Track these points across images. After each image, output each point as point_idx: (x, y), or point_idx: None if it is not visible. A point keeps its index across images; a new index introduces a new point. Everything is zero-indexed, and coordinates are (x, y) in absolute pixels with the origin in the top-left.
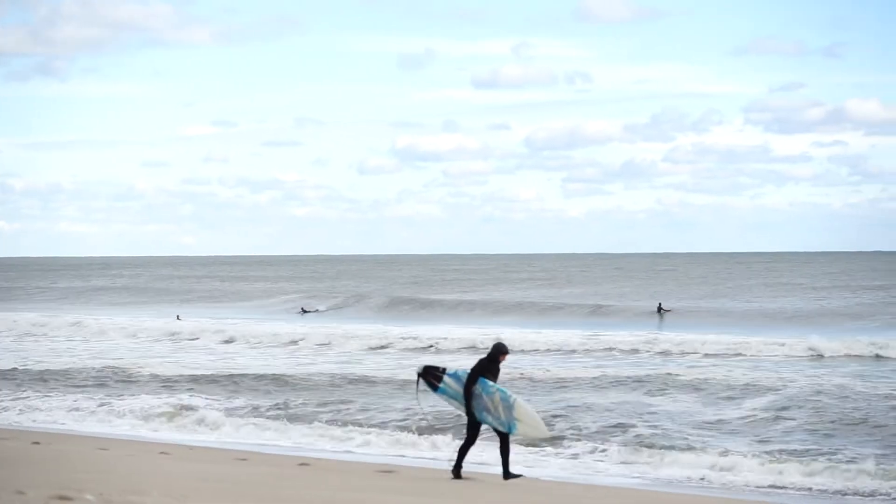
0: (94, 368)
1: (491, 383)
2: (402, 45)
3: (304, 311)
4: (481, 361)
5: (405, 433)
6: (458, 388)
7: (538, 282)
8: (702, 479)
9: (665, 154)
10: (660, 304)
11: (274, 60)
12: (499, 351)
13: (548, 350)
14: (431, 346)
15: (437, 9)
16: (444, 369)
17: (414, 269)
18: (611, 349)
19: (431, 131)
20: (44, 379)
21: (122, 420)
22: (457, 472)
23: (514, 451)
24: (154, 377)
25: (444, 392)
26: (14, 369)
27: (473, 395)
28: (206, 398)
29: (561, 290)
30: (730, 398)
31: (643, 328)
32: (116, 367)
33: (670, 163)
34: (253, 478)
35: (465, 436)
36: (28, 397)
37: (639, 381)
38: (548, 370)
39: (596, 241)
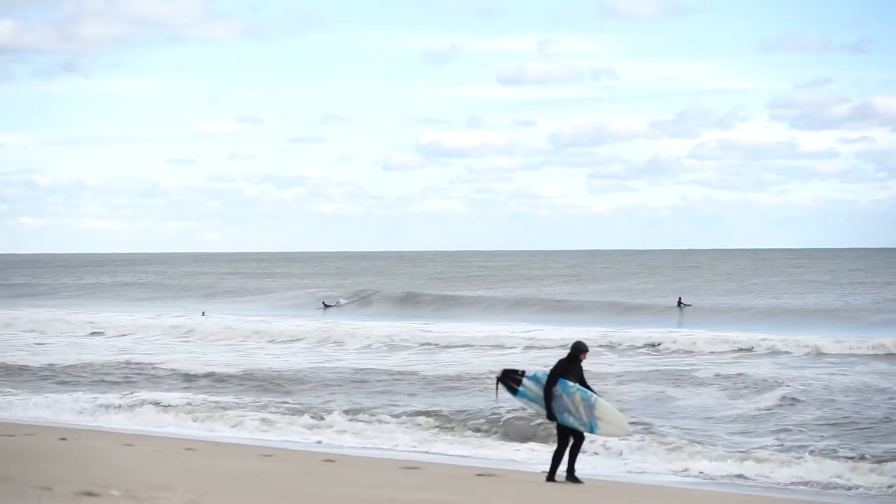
0: (118, 363)
1: (571, 383)
2: (427, 41)
3: (326, 306)
4: (561, 362)
5: (430, 430)
6: (537, 391)
7: (562, 278)
8: (739, 475)
9: (690, 150)
10: (679, 298)
11: (299, 57)
12: (578, 350)
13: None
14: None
15: (462, 5)
16: (522, 372)
17: (438, 266)
18: (632, 345)
19: (456, 127)
20: (68, 374)
21: (147, 416)
22: (550, 476)
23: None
24: (177, 373)
25: (524, 395)
26: (41, 366)
27: (554, 396)
28: (235, 396)
29: (584, 286)
30: (754, 393)
31: (663, 324)
32: (142, 363)
33: (696, 159)
34: (277, 474)
35: (557, 442)
36: (53, 392)
37: (661, 377)
38: None
39: (621, 237)
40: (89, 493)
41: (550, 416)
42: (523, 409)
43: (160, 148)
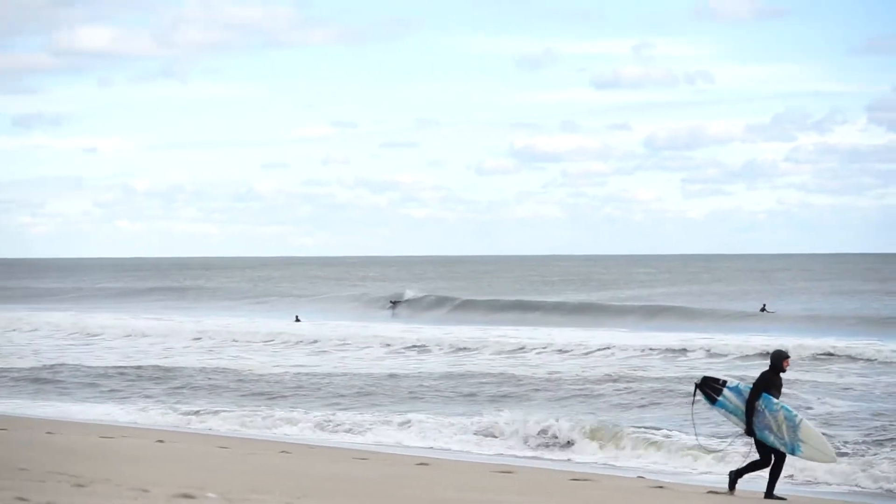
0: (215, 369)
1: (776, 400)
2: (521, 45)
3: (393, 303)
4: (764, 374)
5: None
6: (738, 403)
7: (653, 282)
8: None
9: (787, 154)
10: (764, 305)
11: (393, 61)
12: (780, 358)
13: (647, 351)
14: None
15: (557, 9)
16: (724, 382)
17: (526, 270)
18: (707, 350)
19: (550, 132)
20: (173, 377)
21: (248, 418)
22: (732, 483)
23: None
24: (268, 377)
25: (722, 406)
26: (154, 367)
27: (756, 411)
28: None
29: (668, 290)
30: (838, 398)
31: (745, 330)
32: (236, 370)
33: (792, 163)
34: (370, 477)
35: (760, 456)
36: (154, 396)
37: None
38: (644, 372)
39: (716, 241)
40: (185, 496)
41: (750, 431)
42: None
43: (255, 152)
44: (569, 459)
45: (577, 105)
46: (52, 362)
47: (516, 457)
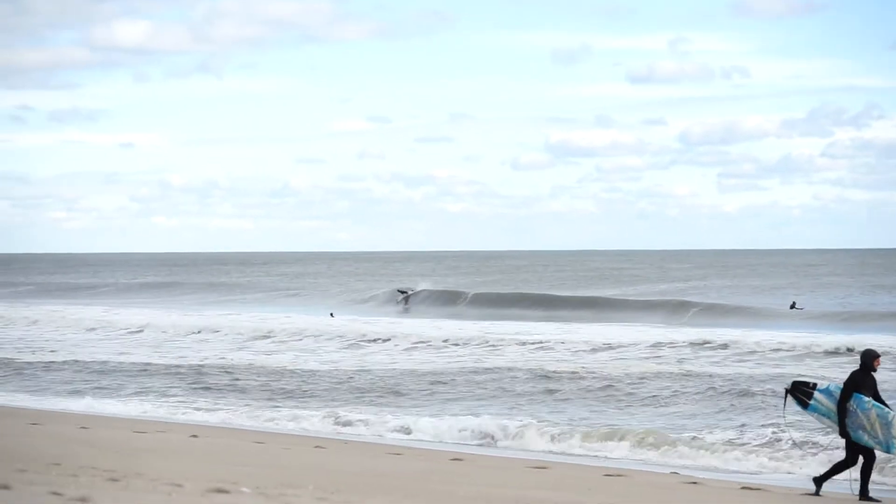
0: (254, 365)
1: (867, 399)
2: (557, 39)
3: (402, 293)
4: (854, 374)
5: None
6: (829, 406)
7: (686, 278)
8: None
9: (822, 149)
10: (793, 302)
11: (428, 56)
12: (870, 357)
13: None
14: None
15: (593, 3)
16: (814, 385)
17: (560, 265)
18: (725, 345)
19: (585, 126)
20: (204, 373)
21: (279, 413)
22: (818, 485)
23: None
24: (307, 373)
25: (814, 410)
26: (195, 366)
27: (848, 412)
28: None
29: (698, 285)
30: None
31: (771, 327)
32: (267, 366)
33: (828, 158)
34: (405, 472)
35: (845, 456)
36: (185, 391)
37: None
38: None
39: (751, 236)
40: (220, 490)
41: (843, 432)
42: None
43: (290, 147)
44: (605, 456)
45: (612, 100)
46: (90, 358)
47: (552, 452)
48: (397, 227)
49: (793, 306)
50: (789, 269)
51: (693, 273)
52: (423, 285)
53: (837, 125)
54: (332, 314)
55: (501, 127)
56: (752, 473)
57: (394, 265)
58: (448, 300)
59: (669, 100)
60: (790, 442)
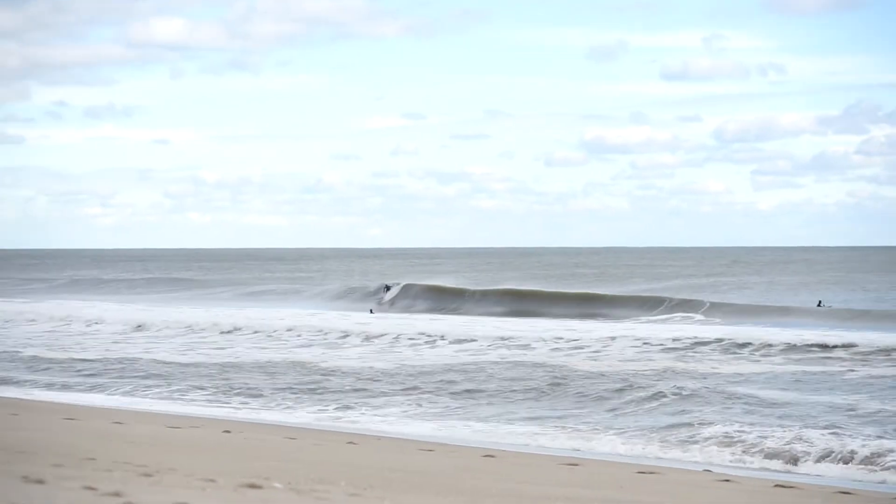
0: (287, 362)
1: None
2: (592, 36)
3: (387, 288)
4: None
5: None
6: None
7: (718, 274)
8: None
9: (858, 146)
10: (820, 300)
11: (463, 52)
12: None
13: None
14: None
15: (629, 0)
16: None
17: (585, 260)
18: (767, 345)
19: (619, 123)
20: (234, 370)
21: (306, 410)
22: None
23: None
24: (332, 369)
25: None
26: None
27: None
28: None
29: (728, 280)
30: None
31: (794, 325)
32: (303, 362)
33: (863, 155)
34: (437, 469)
35: None
36: (219, 387)
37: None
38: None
39: (785, 234)
40: (252, 486)
41: None
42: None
43: (324, 144)
44: (636, 455)
45: (646, 97)
46: (118, 355)
47: (579, 451)
48: (431, 223)
49: (820, 304)
50: (820, 267)
51: (725, 270)
52: (405, 281)
53: (873, 122)
54: (371, 311)
55: (536, 123)
56: (782, 472)
57: (427, 261)
58: (430, 296)
59: (704, 97)
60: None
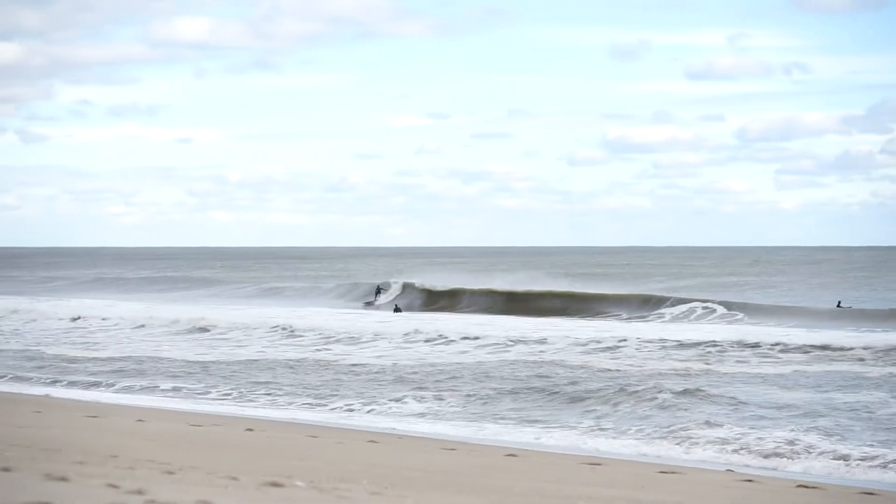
0: (311, 360)
1: None
2: (615, 35)
3: (378, 291)
4: None
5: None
6: None
7: (740, 274)
8: None
9: (882, 146)
10: (839, 301)
11: (486, 52)
12: None
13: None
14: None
15: None
16: None
17: (606, 259)
18: (785, 345)
19: (642, 122)
20: (266, 368)
21: (327, 408)
22: None
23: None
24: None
25: None
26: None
27: None
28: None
29: (749, 280)
30: None
31: (811, 327)
32: (329, 360)
33: (887, 154)
34: (458, 467)
35: None
36: (242, 386)
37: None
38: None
39: (808, 233)
40: (274, 484)
41: None
42: None
43: (348, 143)
44: (658, 455)
45: (669, 96)
46: (140, 354)
47: (602, 451)
48: (453, 222)
49: (839, 305)
50: (842, 267)
51: (747, 270)
52: (404, 279)
53: None
54: (396, 308)
55: (559, 123)
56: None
57: (450, 261)
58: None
59: (728, 96)
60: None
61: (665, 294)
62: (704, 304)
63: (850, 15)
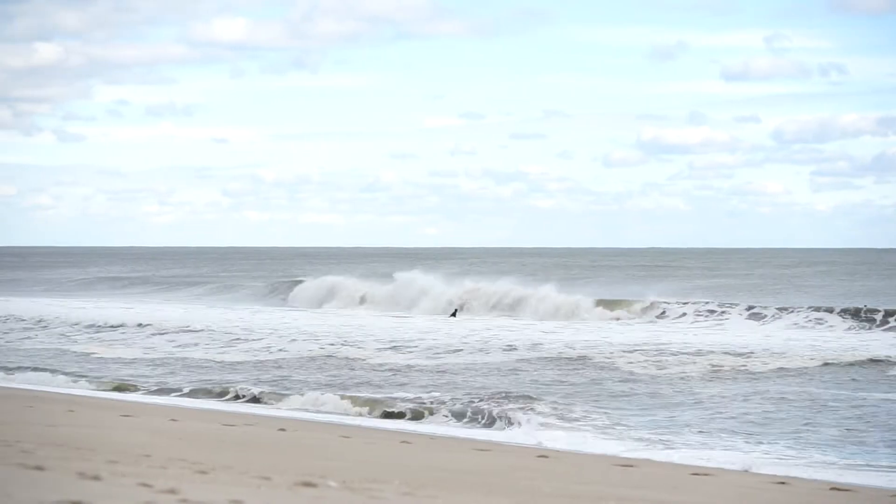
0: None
1: None
2: (652, 36)
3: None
4: None
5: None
6: None
7: (771, 275)
8: None
9: None
10: (864, 305)
11: (523, 53)
12: None
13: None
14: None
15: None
16: None
17: (640, 261)
18: (807, 348)
19: (677, 123)
20: (284, 367)
21: (359, 408)
22: None
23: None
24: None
25: None
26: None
27: None
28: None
29: (792, 283)
30: None
31: (841, 330)
32: (359, 359)
33: None
34: (491, 468)
35: None
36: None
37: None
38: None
39: (843, 236)
40: (307, 484)
41: None
42: None
43: (383, 143)
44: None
45: (705, 97)
46: (162, 355)
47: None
48: (487, 223)
49: (864, 308)
50: (877, 269)
51: (778, 273)
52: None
53: None
54: (454, 313)
55: (594, 123)
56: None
57: (483, 261)
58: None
59: (764, 97)
60: None
61: (710, 298)
62: (731, 306)
63: (888, 16)
